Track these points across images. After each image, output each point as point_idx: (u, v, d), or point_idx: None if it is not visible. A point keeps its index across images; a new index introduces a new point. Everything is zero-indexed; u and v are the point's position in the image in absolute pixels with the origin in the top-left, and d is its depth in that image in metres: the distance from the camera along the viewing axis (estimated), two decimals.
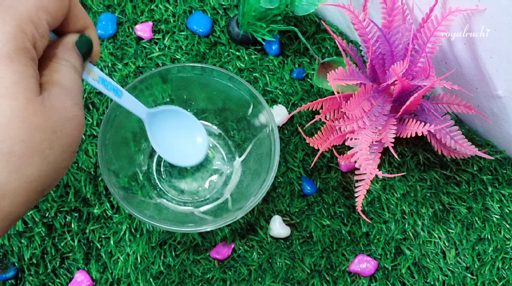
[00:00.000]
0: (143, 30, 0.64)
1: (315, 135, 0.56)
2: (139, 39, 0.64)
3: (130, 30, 0.64)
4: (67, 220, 0.57)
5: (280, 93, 0.63)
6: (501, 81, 0.53)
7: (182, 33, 0.65)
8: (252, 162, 0.58)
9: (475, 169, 0.62)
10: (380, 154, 0.55)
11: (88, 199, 0.58)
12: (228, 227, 0.58)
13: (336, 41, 0.55)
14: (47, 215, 0.57)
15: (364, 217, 0.54)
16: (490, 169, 0.62)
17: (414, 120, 0.52)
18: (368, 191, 0.60)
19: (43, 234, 0.57)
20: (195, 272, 0.57)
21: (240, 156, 0.60)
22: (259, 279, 0.57)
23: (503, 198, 0.61)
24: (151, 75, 0.54)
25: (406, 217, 0.60)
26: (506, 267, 0.59)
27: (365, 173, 0.52)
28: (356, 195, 0.53)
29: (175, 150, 0.53)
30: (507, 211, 0.60)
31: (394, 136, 0.52)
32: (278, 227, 0.58)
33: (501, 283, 0.58)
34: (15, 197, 0.30)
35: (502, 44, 0.48)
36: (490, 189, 0.61)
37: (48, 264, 0.56)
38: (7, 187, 0.30)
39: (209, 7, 0.66)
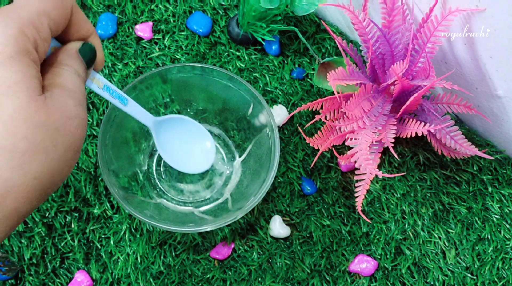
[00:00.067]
0: (143, 30, 0.64)
1: (315, 135, 0.56)
2: (139, 39, 0.64)
3: (130, 30, 0.64)
4: (67, 220, 0.57)
5: (280, 93, 0.63)
6: (501, 81, 0.53)
7: (182, 33, 0.65)
8: (252, 162, 0.58)
9: (475, 169, 0.62)
10: (380, 154, 0.55)
11: (88, 199, 0.58)
12: (228, 227, 0.58)
13: (336, 41, 0.55)
14: (47, 215, 0.57)
15: (364, 217, 0.54)
16: (490, 169, 0.62)
17: (414, 120, 0.52)
18: (368, 191, 0.60)
19: (43, 234, 0.57)
20: (195, 272, 0.57)
21: (240, 156, 0.60)
22: (259, 279, 0.57)
23: (503, 198, 0.61)
24: (151, 75, 0.54)
25: (406, 217, 0.60)
26: (506, 267, 0.59)
27: (365, 173, 0.52)
28: (356, 195, 0.53)
29: (183, 157, 0.54)
30: (507, 211, 0.60)
31: (394, 136, 0.52)
32: (278, 227, 0.58)
33: (501, 283, 0.58)
34: (19, 193, 0.30)
35: (502, 44, 0.48)
36: (490, 189, 0.61)
37: (48, 264, 0.56)
38: (11, 183, 0.30)
39: (209, 7, 0.66)
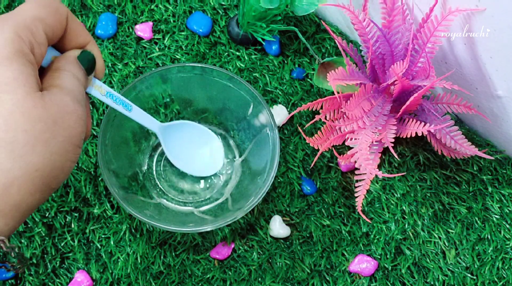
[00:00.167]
0: (143, 30, 0.64)
1: (315, 135, 0.56)
2: (139, 39, 0.64)
3: (130, 30, 0.64)
4: (67, 220, 0.57)
5: (280, 93, 0.63)
6: (501, 81, 0.53)
7: (182, 33, 0.65)
8: (252, 162, 0.58)
9: (475, 169, 0.62)
10: (380, 154, 0.55)
11: (88, 199, 0.58)
12: (228, 227, 0.58)
13: (336, 41, 0.55)
14: (47, 215, 0.57)
15: (364, 217, 0.54)
16: (490, 169, 0.62)
17: (414, 120, 0.52)
18: (368, 191, 0.60)
19: (43, 234, 0.57)
20: (195, 272, 0.57)
21: (240, 156, 0.60)
22: (259, 279, 0.57)
23: (503, 198, 0.61)
24: (151, 75, 0.54)
25: (406, 217, 0.60)
26: (506, 267, 0.59)
27: (365, 173, 0.52)
28: (356, 195, 0.53)
29: (192, 161, 0.55)
30: (507, 211, 0.60)
31: (394, 136, 0.52)
32: (278, 227, 0.58)
33: (501, 283, 0.58)
34: (22, 185, 0.32)
35: (502, 44, 0.48)
36: (490, 189, 0.61)
37: (48, 264, 0.56)
38: (13, 174, 0.31)
39: (209, 7, 0.66)
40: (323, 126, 0.57)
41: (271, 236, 0.59)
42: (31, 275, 0.55)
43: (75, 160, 0.35)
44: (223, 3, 0.66)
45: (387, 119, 0.53)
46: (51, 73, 0.36)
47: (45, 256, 0.56)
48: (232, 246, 0.58)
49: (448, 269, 0.59)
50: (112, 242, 0.57)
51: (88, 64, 0.38)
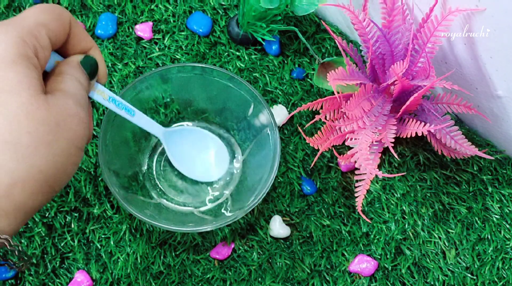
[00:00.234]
0: (143, 30, 0.64)
1: (315, 135, 0.56)
2: (139, 39, 0.64)
3: (130, 30, 0.64)
4: (67, 220, 0.57)
5: (280, 93, 0.63)
6: (501, 81, 0.53)
7: (182, 33, 0.65)
8: (252, 162, 0.58)
9: (475, 169, 0.62)
10: (380, 154, 0.55)
11: (88, 199, 0.58)
12: (228, 227, 0.58)
13: (336, 41, 0.55)
14: (47, 215, 0.57)
15: (364, 217, 0.54)
16: (490, 169, 0.62)
17: (414, 120, 0.52)
18: (368, 191, 0.60)
19: (43, 234, 0.57)
20: (195, 272, 0.57)
21: (240, 156, 0.60)
22: (259, 279, 0.57)
23: (503, 198, 0.61)
24: (151, 75, 0.54)
25: (406, 217, 0.60)
26: (506, 267, 0.59)
27: (365, 173, 0.52)
28: (356, 195, 0.53)
29: (195, 166, 0.55)
30: (507, 211, 0.60)
31: (394, 136, 0.52)
32: (278, 227, 0.58)
33: (501, 283, 0.58)
34: (25, 186, 0.32)
35: (502, 44, 0.48)
36: (490, 189, 0.61)
37: (48, 264, 0.56)
38: (16, 175, 0.31)
39: (209, 7, 0.66)
40: (323, 126, 0.57)
41: (271, 236, 0.59)
42: (31, 275, 0.55)
43: (77, 163, 0.35)
44: (223, 3, 0.66)
45: (387, 119, 0.53)
46: (54, 77, 0.36)
47: (45, 256, 0.56)
48: (232, 246, 0.58)
49: (448, 269, 0.59)
50: (112, 242, 0.57)
51: (90, 69, 0.39)
